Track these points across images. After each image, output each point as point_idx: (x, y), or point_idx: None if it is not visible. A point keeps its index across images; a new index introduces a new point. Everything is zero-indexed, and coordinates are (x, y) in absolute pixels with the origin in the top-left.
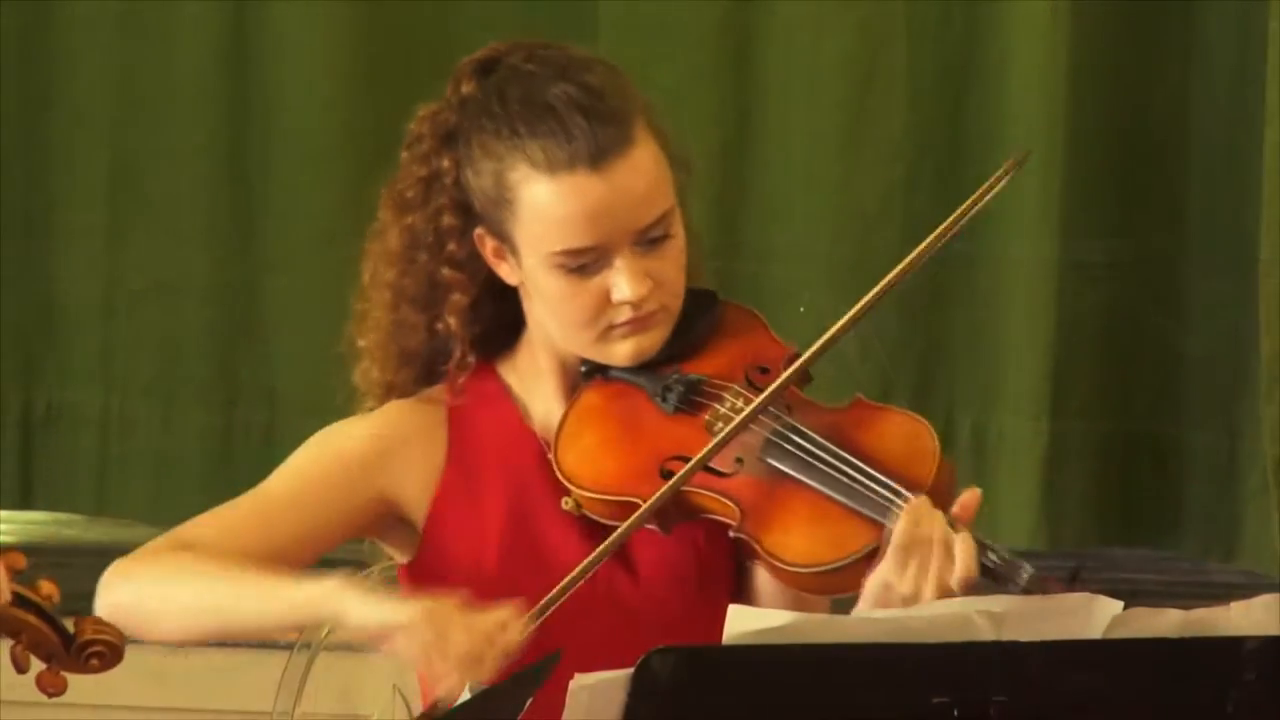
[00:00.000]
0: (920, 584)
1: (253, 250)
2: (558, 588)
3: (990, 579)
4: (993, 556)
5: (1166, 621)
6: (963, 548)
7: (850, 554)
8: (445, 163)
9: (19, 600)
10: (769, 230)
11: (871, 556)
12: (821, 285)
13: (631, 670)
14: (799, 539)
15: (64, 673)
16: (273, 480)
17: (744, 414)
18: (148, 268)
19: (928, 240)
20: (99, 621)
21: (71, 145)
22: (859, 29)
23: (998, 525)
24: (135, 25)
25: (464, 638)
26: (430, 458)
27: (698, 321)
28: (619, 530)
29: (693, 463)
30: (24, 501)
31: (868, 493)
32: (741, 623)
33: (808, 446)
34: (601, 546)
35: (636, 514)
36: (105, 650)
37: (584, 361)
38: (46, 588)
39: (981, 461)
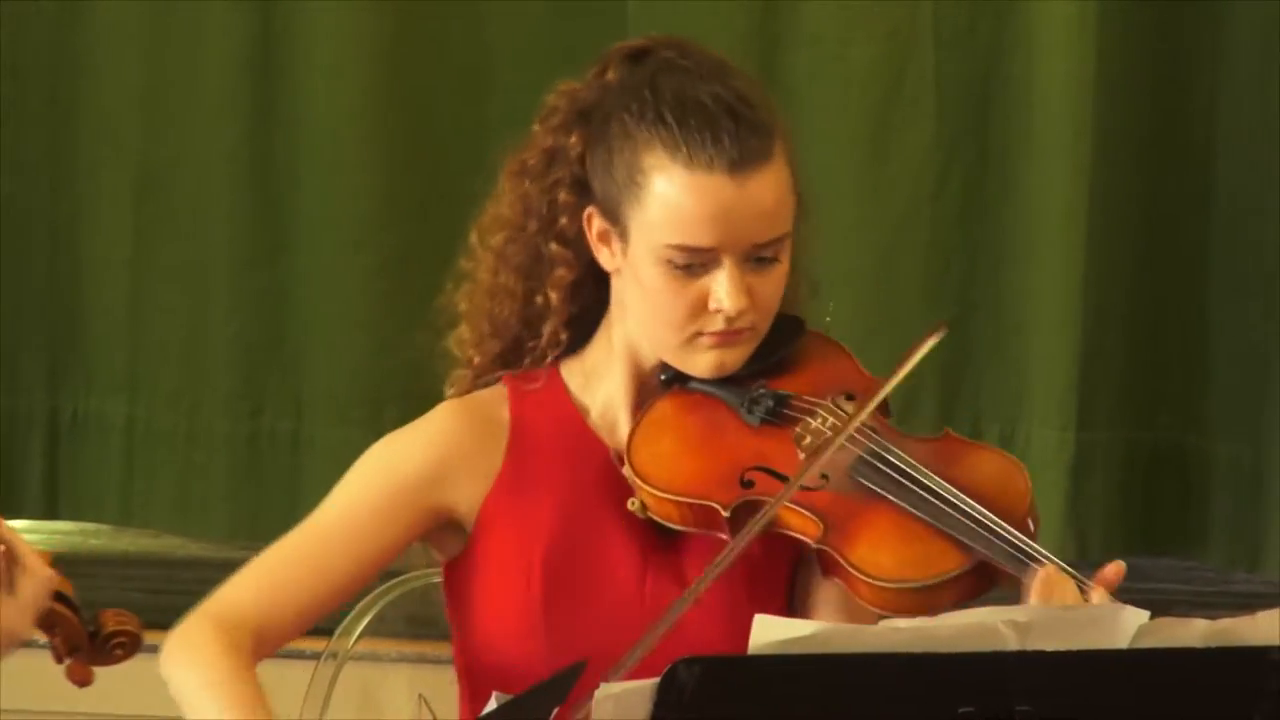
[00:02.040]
0: None
1: (279, 259)
2: (669, 610)
3: None
4: None
5: (1192, 631)
6: None
7: (939, 574)
8: (573, 138)
9: (56, 595)
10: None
11: (959, 579)
12: (848, 295)
13: (658, 679)
14: (886, 555)
15: (91, 665)
16: (329, 508)
17: (852, 420)
18: (174, 276)
19: None
20: (120, 613)
21: (98, 153)
22: (887, 37)
23: None
24: (161, 33)
25: None
26: (488, 462)
27: (783, 344)
28: (755, 522)
29: (823, 444)
30: (49, 511)
31: (961, 518)
32: (767, 632)
33: (901, 467)
34: (743, 534)
35: (765, 511)
36: (128, 640)
37: (664, 369)
38: (65, 583)
39: None
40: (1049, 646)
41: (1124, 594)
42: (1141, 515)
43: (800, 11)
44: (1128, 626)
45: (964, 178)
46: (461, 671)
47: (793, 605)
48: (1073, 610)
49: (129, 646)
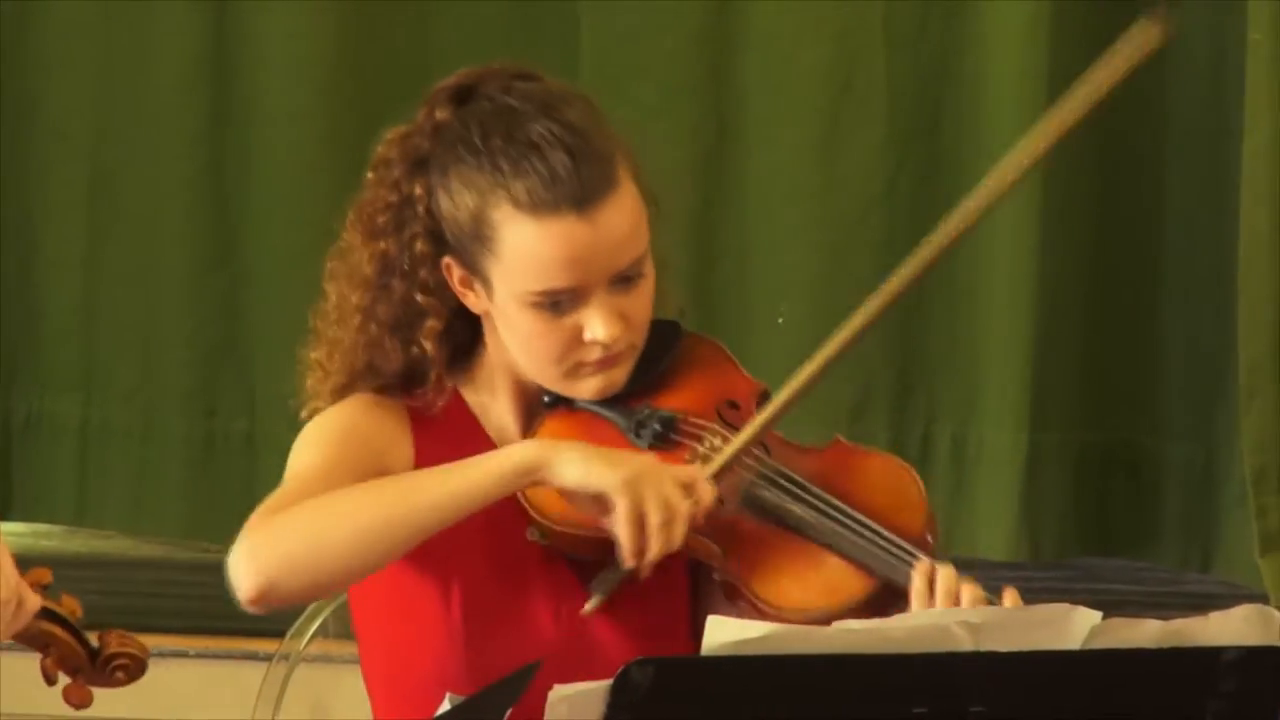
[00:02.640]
0: None
1: (233, 260)
2: (731, 445)
3: None
4: None
5: (1145, 632)
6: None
7: (845, 600)
8: (418, 189)
9: (46, 614)
10: (747, 242)
11: (866, 603)
12: (800, 297)
13: (611, 681)
14: (790, 584)
15: (90, 686)
16: (298, 469)
17: (735, 444)
18: (128, 276)
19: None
20: (123, 635)
21: (51, 154)
22: (837, 39)
23: (976, 537)
24: (115, 33)
25: (661, 502)
26: (403, 451)
27: (663, 354)
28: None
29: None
30: (2, 512)
31: (861, 539)
32: (720, 633)
33: (795, 491)
34: (765, 413)
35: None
36: (130, 663)
37: (546, 392)
38: (69, 603)
39: (961, 473)
40: (1002, 647)
41: (1077, 595)
42: (1094, 516)
43: (751, 12)
44: (1080, 627)
45: (915, 178)
46: (372, 679)
47: (696, 632)
48: (1025, 611)
49: (131, 670)
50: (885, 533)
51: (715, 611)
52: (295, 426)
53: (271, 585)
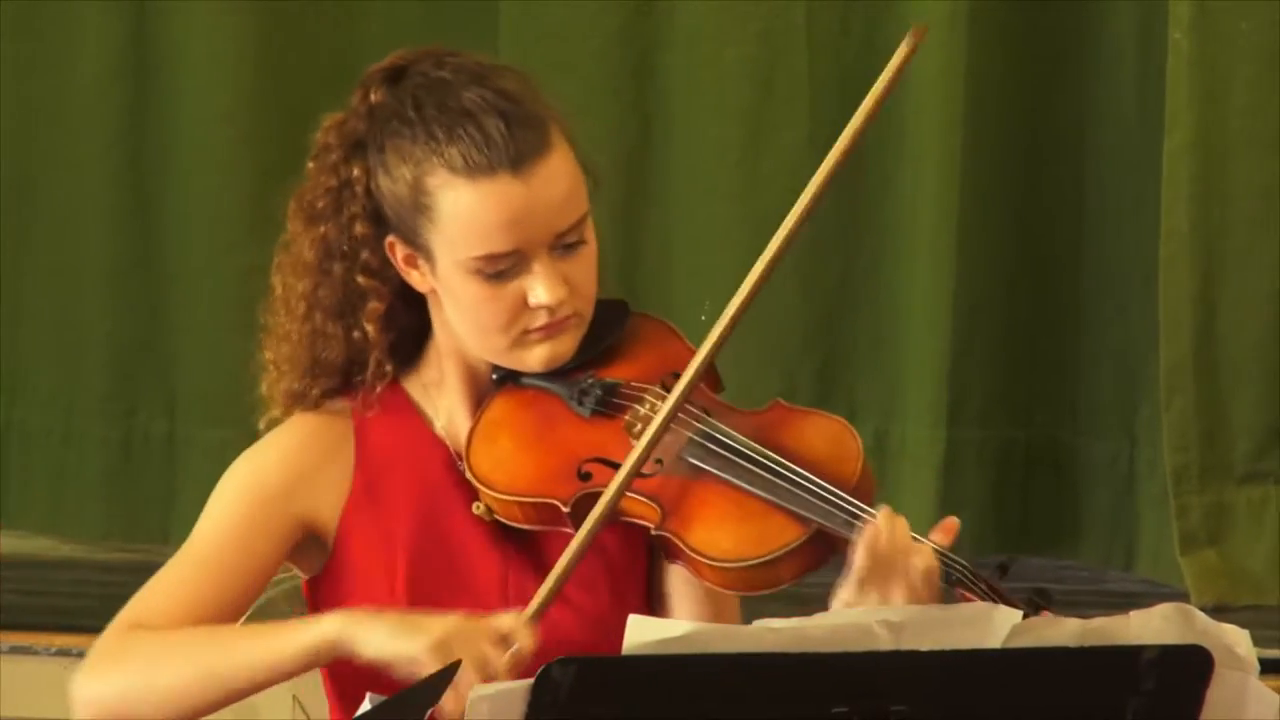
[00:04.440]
0: (886, 600)
1: (153, 260)
2: (545, 586)
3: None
4: (957, 568)
5: (1065, 631)
6: (922, 561)
7: (776, 549)
8: (355, 171)
9: None
10: (670, 239)
11: (798, 550)
12: (723, 294)
13: (531, 680)
14: (724, 535)
15: None
16: (200, 534)
17: (670, 401)
18: (46, 278)
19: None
20: None
21: None
22: (760, 38)
23: None
24: (33, 34)
25: (478, 661)
26: (340, 472)
27: (610, 329)
28: (593, 516)
29: (650, 432)
30: None
31: (794, 489)
32: (642, 632)
33: (730, 444)
34: (578, 537)
35: (602, 501)
36: None
37: (495, 369)
38: None
39: (882, 469)
40: (923, 646)
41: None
42: (1015, 514)
43: (673, 12)
44: (1001, 626)
45: (837, 177)
46: (327, 675)
47: (652, 596)
48: (947, 610)
49: None
50: (820, 481)
51: (664, 574)
52: (214, 425)
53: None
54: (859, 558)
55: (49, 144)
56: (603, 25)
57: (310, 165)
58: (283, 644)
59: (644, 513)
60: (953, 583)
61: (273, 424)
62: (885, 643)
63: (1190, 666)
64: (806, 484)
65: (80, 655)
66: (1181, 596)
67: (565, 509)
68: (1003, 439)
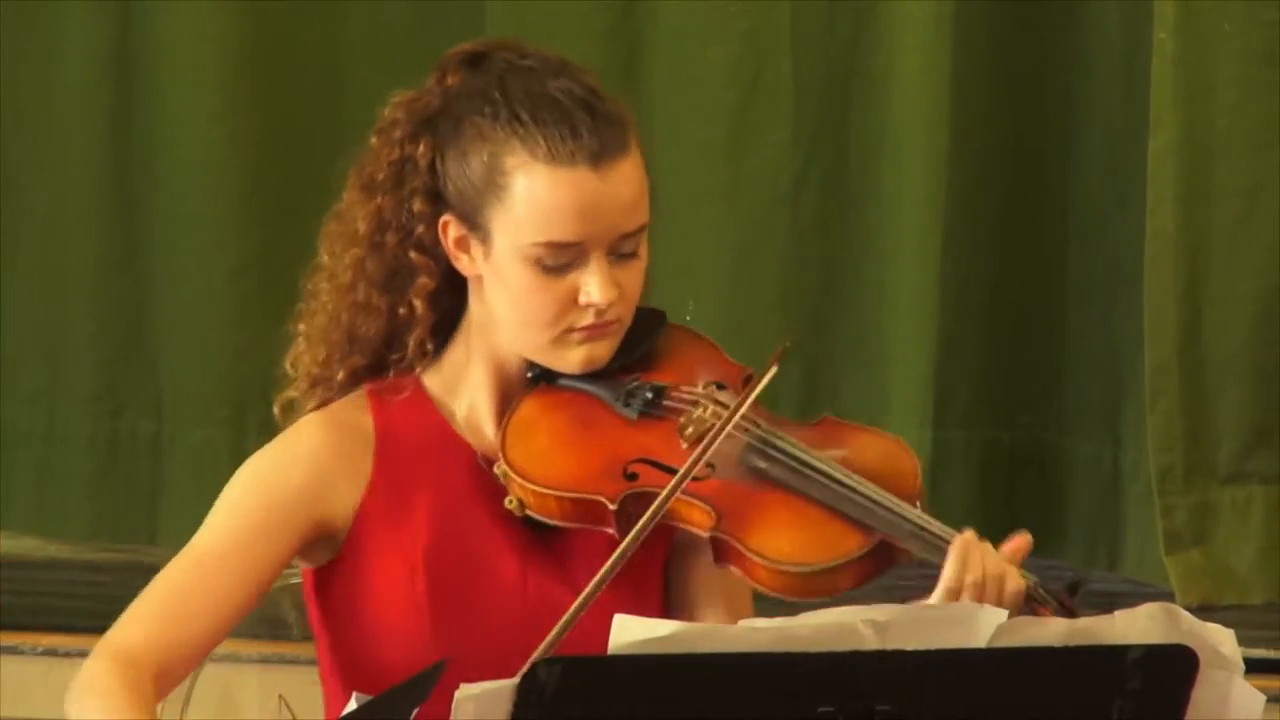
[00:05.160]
0: None
1: (139, 259)
2: (589, 587)
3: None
4: (1040, 592)
5: (1051, 631)
6: (1013, 584)
7: (840, 556)
8: (421, 148)
9: None
10: (655, 237)
11: (861, 560)
12: (706, 294)
13: (517, 680)
14: (785, 540)
15: None
16: (206, 533)
17: (739, 406)
18: (32, 277)
19: None
20: None
21: None
22: (744, 37)
23: None
24: (19, 33)
25: None
26: (358, 471)
27: (647, 336)
28: (649, 513)
29: (713, 434)
30: None
31: (859, 499)
32: (627, 632)
33: (793, 452)
34: (630, 534)
35: (648, 514)
36: None
37: (531, 367)
38: None
39: None
40: (908, 646)
41: None
42: (1000, 514)
43: (657, 12)
44: (986, 626)
45: (822, 177)
46: (332, 673)
47: (669, 599)
48: (932, 609)
49: None
50: (887, 494)
51: (688, 579)
52: (202, 425)
53: None
54: (951, 575)
55: (34, 143)
56: (588, 26)
57: (374, 139)
58: None
59: (697, 517)
60: (1033, 601)
61: (287, 404)
62: (870, 642)
63: (1176, 666)
64: (873, 495)
65: (66, 655)
66: (1166, 596)
67: (612, 507)
68: (987, 440)
